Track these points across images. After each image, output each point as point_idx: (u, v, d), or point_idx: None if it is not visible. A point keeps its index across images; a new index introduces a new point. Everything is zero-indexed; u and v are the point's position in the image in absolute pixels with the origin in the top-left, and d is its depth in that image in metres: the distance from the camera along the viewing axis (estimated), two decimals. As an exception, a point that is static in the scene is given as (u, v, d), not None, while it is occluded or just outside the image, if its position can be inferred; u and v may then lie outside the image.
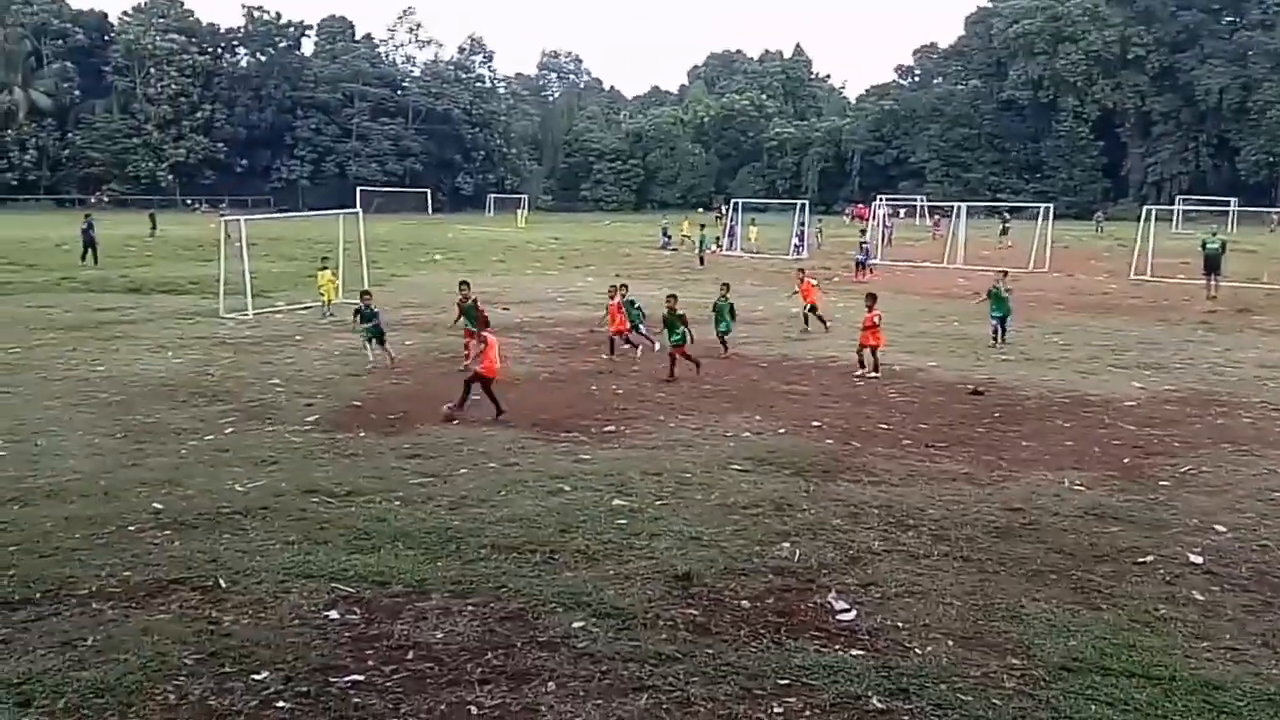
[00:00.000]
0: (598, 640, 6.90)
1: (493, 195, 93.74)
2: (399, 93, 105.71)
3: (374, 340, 17.56)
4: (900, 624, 7.24)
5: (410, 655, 6.69)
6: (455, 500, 9.91)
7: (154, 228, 52.77)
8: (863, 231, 37.26)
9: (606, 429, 13.01)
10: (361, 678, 6.37)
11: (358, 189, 63.14)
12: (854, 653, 6.79)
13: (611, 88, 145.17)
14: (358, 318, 17.80)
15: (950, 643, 6.93)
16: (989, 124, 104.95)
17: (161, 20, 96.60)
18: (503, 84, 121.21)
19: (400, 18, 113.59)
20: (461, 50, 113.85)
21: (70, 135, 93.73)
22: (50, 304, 24.95)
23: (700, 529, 9.10)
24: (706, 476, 10.82)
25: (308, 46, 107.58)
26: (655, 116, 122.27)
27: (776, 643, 6.94)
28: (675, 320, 16.70)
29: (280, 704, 6.04)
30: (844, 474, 11.05)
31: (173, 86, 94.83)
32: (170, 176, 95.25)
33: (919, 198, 75.97)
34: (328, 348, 19.05)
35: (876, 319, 17.08)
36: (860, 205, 79.82)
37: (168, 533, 8.90)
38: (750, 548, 8.69)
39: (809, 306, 22.16)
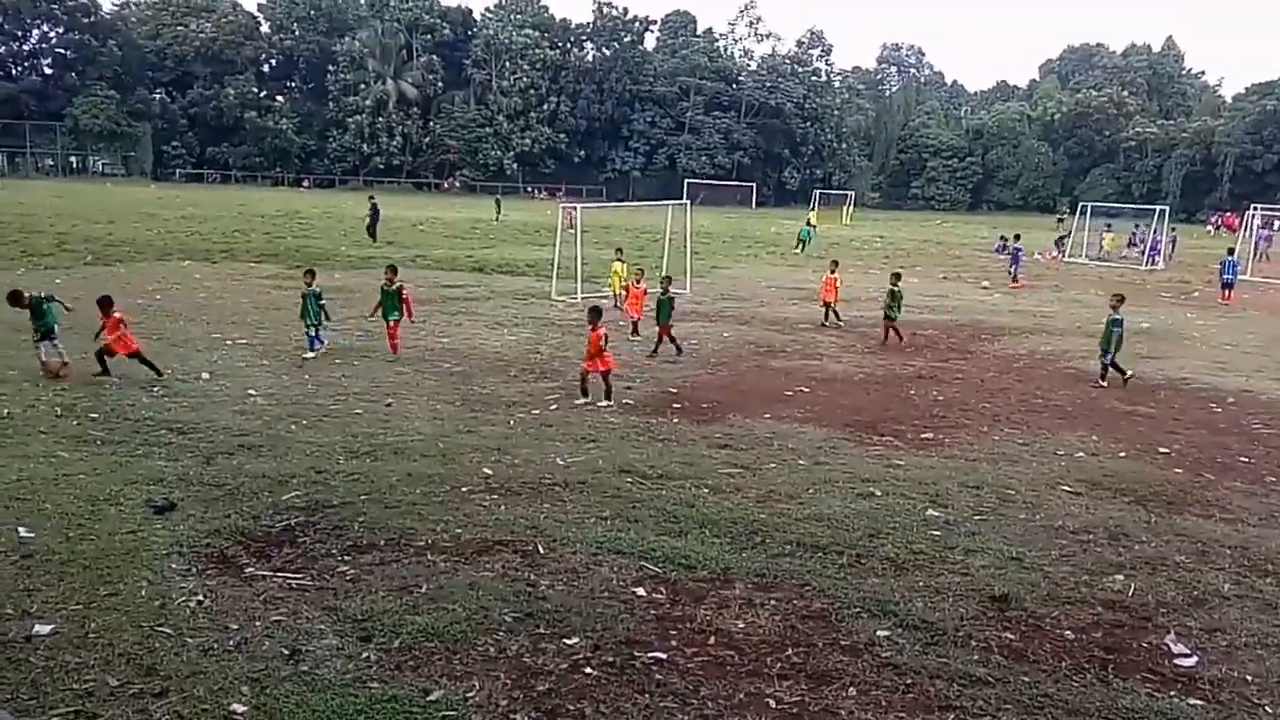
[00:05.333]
0: (903, 652, 6.64)
1: (818, 190, 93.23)
2: (734, 86, 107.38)
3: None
4: (1249, 677, 6.48)
5: (712, 640, 6.74)
6: (763, 493, 9.89)
7: (499, 212, 56.70)
8: (1230, 250, 33.63)
9: (924, 435, 12.53)
10: (664, 656, 6.49)
11: (685, 181, 64.81)
12: (1191, 702, 6.15)
13: (954, 82, 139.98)
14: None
15: (1311, 708, 6.11)
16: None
17: (519, 16, 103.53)
18: (839, 78, 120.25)
19: (741, 12, 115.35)
20: (800, 44, 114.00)
21: (431, 124, 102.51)
22: (407, 278, 27.23)
23: (1022, 550, 8.56)
24: (1032, 495, 10.16)
25: (650, 41, 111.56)
26: (999, 112, 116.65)
27: (1102, 680, 6.40)
28: (666, 302, 17.64)
29: (588, 670, 6.27)
30: (1192, 507, 10.02)
31: (524, 80, 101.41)
32: (515, 165, 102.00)
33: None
34: (646, 334, 19.60)
35: (600, 339, 13.64)
36: (1230, 214, 72.42)
37: (495, 497, 9.47)
38: (1077, 575, 8.06)
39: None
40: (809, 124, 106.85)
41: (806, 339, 20.02)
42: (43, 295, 14.14)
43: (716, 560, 8.06)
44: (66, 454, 10.20)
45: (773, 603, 7.36)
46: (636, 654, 6.50)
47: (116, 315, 13.95)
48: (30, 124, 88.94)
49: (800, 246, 42.18)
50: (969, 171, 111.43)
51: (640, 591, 7.44)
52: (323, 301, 16.45)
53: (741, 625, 6.99)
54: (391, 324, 16.58)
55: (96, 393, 12.82)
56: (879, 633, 6.91)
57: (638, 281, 19.53)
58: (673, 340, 17.63)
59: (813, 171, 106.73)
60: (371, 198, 42.85)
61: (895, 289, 19.98)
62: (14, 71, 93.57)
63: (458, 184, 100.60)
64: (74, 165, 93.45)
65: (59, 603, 6.80)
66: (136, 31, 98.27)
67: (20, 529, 8.01)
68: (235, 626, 6.59)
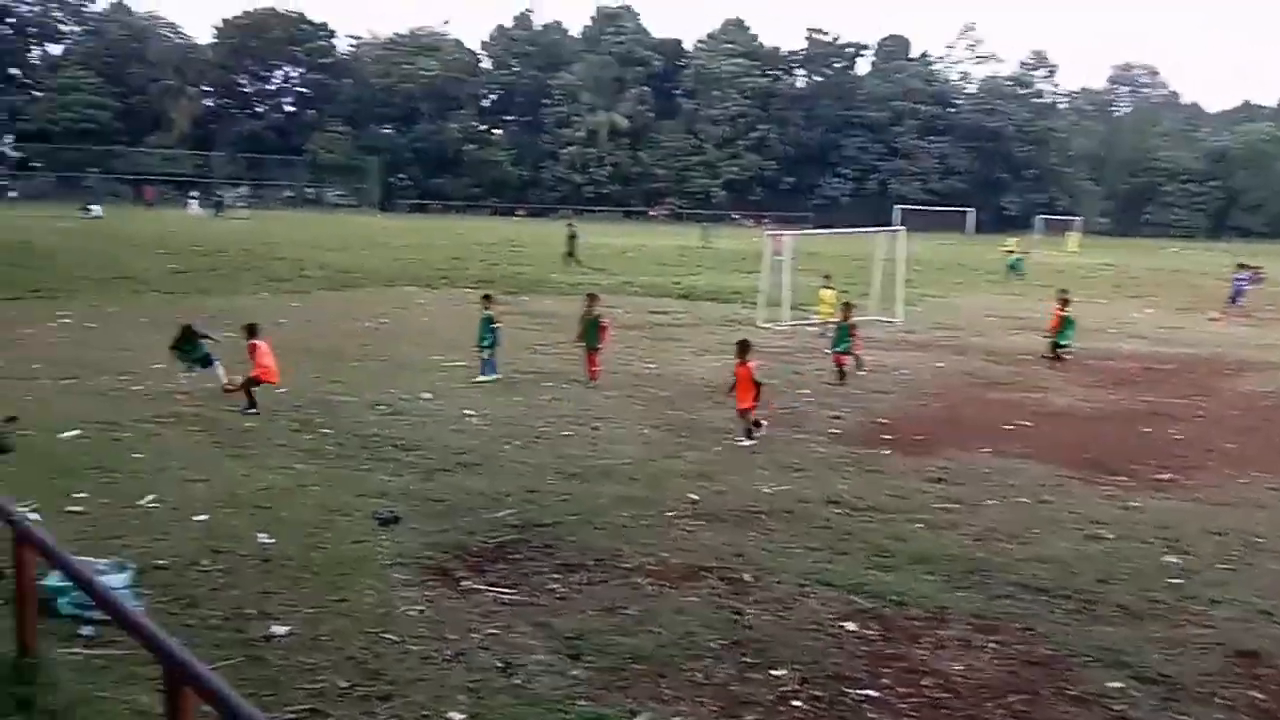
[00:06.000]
0: (1139, 706, 6.19)
1: (1041, 216, 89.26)
2: (950, 110, 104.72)
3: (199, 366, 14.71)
4: None
5: (927, 681, 6.48)
6: (981, 531, 9.47)
7: (705, 239, 57.00)
8: None
9: (1160, 476, 11.68)
10: (876, 694, 6.28)
11: (896, 207, 63.34)
12: None
13: (1192, 103, 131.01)
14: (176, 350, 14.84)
15: None
16: None
17: (729, 45, 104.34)
18: (1065, 99, 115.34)
19: (961, 34, 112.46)
20: (1023, 65, 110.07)
21: (640, 154, 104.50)
22: (614, 305, 27.75)
23: (1274, 603, 7.82)
24: (1284, 544, 9.30)
25: (862, 66, 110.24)
26: (1245, 134, 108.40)
27: (1370, 753, 5.75)
28: (845, 329, 17.29)
29: (796, 703, 6.14)
30: None
31: (733, 108, 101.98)
32: (722, 192, 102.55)
33: None
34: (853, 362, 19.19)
35: (753, 372, 12.96)
36: None
37: (701, 522, 9.45)
38: (1340, 635, 7.30)
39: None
40: (1031, 147, 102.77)
41: (1028, 371, 19.11)
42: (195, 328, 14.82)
43: (931, 598, 7.76)
44: (302, 466, 10.87)
45: (993, 646, 7.01)
46: (846, 690, 6.31)
47: (253, 342, 13.77)
48: (273, 159, 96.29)
49: (1012, 274, 40.63)
50: (1209, 196, 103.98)
51: (850, 626, 7.24)
52: (495, 326, 16.62)
53: (959, 667, 6.68)
54: (590, 352, 16.66)
55: (329, 409, 13.62)
56: (1111, 684, 6.46)
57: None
58: (843, 368, 17.13)
59: (1034, 197, 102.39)
60: (569, 224, 44.10)
61: (1065, 315, 19.45)
62: (260, 110, 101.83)
63: (665, 212, 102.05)
64: (310, 197, 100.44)
65: (294, 606, 7.22)
66: (369, 70, 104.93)
67: (261, 535, 8.57)
68: (453, 637, 6.81)
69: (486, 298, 17.26)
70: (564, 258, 39.80)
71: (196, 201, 74.61)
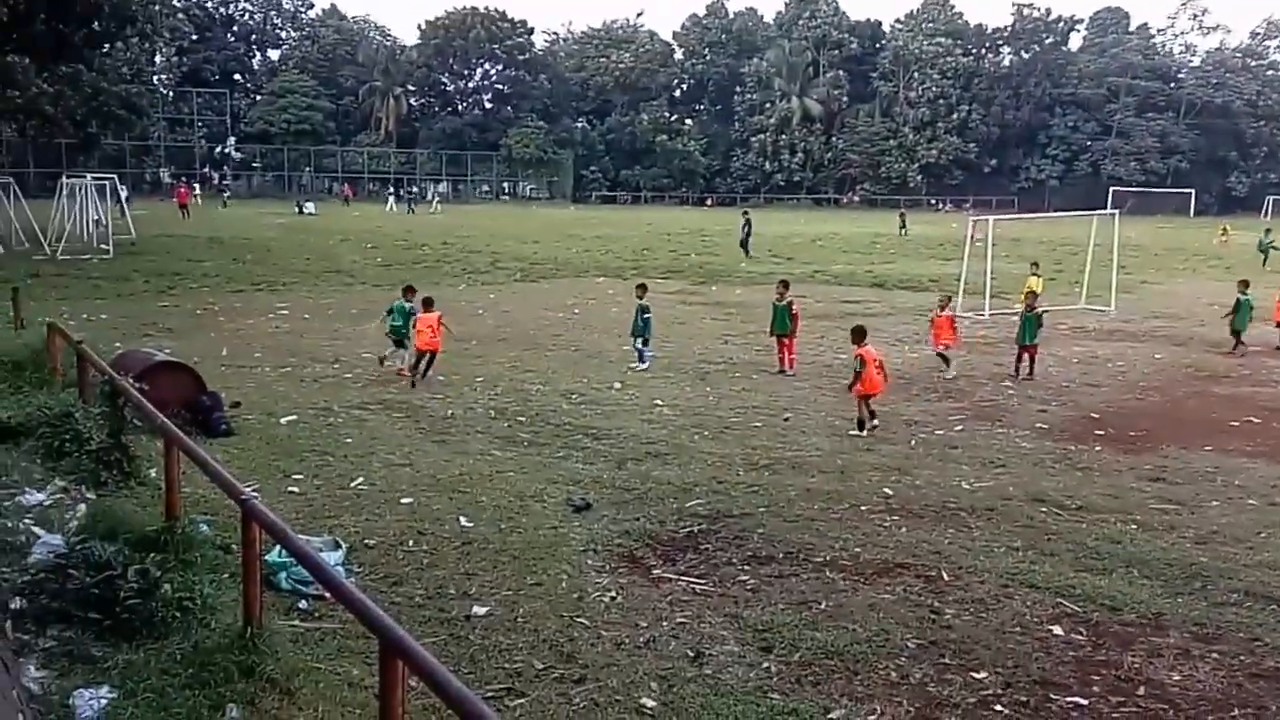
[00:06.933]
0: (1385, 733, 5.63)
1: (1272, 197, 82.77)
2: (1171, 85, 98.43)
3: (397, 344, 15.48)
4: None
5: (1140, 690, 6.13)
6: (1203, 534, 8.87)
7: (903, 226, 55.43)
8: None
9: None
10: (1084, 702, 5.99)
11: (1110, 189, 60.05)
12: None
13: None
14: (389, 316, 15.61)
15: None
16: None
17: (930, 24, 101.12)
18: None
19: (1183, 4, 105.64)
20: (1254, 35, 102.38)
21: (834, 139, 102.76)
22: (804, 294, 27.32)
23: None
24: None
25: (1075, 41, 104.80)
26: None
27: None
28: (1032, 319, 16.22)
29: (998, 707, 5.91)
30: None
31: (933, 89, 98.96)
32: (919, 176, 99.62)
33: None
34: (1065, 354, 18.31)
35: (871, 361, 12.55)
36: None
37: (895, 518, 9.21)
38: None
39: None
40: (1262, 123, 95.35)
41: (1257, 364, 17.78)
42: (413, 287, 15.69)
43: (1147, 604, 7.32)
44: (499, 452, 11.20)
45: (1215, 656, 6.55)
46: (1053, 696, 6.03)
47: (417, 315, 14.87)
48: (471, 154, 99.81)
49: (1273, 252, 38.03)
50: None
51: (1056, 630, 6.90)
52: (648, 316, 16.69)
53: (1177, 678, 6.27)
54: (783, 339, 16.56)
55: (524, 397, 13.99)
56: (1351, 705, 5.92)
57: (943, 308, 17.54)
58: (1032, 363, 16.23)
59: (1265, 176, 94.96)
60: (745, 213, 43.72)
61: (1241, 297, 18.84)
62: (460, 107, 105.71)
63: (857, 198, 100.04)
64: (505, 190, 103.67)
65: (493, 587, 7.45)
66: (564, 65, 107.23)
67: (462, 518, 8.90)
68: (644, 624, 6.87)
69: (641, 287, 17.44)
70: (741, 246, 39.61)
71: (393, 197, 78.82)
